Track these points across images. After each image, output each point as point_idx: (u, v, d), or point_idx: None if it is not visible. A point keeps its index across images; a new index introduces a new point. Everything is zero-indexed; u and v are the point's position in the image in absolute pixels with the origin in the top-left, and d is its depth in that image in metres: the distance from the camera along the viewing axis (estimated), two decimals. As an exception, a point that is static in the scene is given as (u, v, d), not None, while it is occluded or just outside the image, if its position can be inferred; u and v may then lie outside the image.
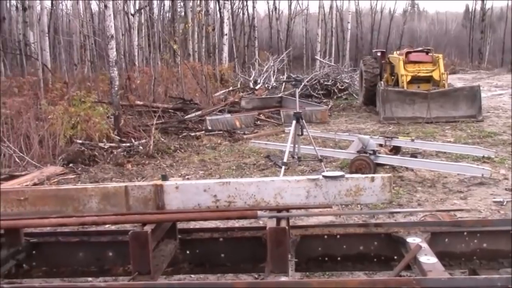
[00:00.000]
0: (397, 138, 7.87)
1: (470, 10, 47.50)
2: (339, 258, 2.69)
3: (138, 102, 12.01)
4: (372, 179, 2.52)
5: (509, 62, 34.68)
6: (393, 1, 72.70)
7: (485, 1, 39.07)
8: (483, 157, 7.21)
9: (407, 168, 6.80)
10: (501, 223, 2.78)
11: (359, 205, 4.44)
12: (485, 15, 39.35)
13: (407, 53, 12.87)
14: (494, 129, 9.92)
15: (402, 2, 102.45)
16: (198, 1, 23.05)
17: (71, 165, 7.68)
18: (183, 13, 23.98)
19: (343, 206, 4.25)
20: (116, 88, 9.72)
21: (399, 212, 4.75)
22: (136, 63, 17.20)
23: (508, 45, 38.10)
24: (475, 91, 11.51)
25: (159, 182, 2.60)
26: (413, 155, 7.45)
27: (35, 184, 6.29)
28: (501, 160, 7.25)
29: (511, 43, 36.51)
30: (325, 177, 2.52)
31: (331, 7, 33.91)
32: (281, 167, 6.57)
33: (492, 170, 6.26)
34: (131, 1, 20.19)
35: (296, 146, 6.71)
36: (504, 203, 5.33)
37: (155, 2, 22.85)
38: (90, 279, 2.87)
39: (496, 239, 2.62)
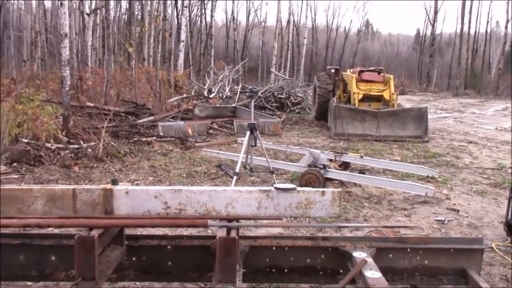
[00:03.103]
0: (347, 154, 8.03)
1: (421, 34, 49.34)
2: (286, 270, 2.72)
3: (89, 104, 11.74)
4: (323, 193, 2.56)
5: (455, 86, 36.19)
6: (349, 20, 74.28)
7: (435, 27, 40.60)
8: (427, 176, 7.47)
9: (355, 184, 6.94)
10: (442, 241, 2.89)
11: (307, 218, 4.51)
12: (435, 40, 40.93)
13: (360, 72, 13.19)
14: (439, 150, 10.30)
15: (356, 22, 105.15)
16: (156, 6, 22.87)
17: (15, 164, 7.40)
18: (140, 16, 23.70)
19: (292, 218, 4.31)
20: (67, 88, 9.48)
21: (346, 227, 4.85)
22: (89, 63, 16.83)
23: (454, 70, 39.72)
24: (422, 113, 11.92)
25: (109, 186, 2.55)
26: (362, 171, 7.63)
27: (-26, 183, 6.01)
28: (444, 180, 7.52)
29: (457, 69, 38.06)
30: (277, 189, 2.54)
31: (288, 22, 34.36)
32: (232, 177, 6.56)
33: (436, 190, 6.49)
34: (87, 0, 19.80)
35: (249, 156, 6.73)
36: (446, 222, 5.53)
37: (112, 3, 22.48)
38: (29, 283, 2.77)
39: (437, 256, 2.72)
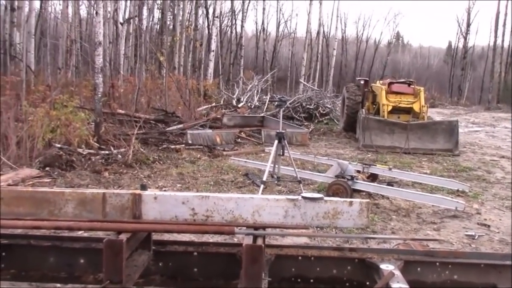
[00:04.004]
0: (375, 165, 7.96)
1: (453, 47, 48.73)
2: (311, 280, 2.69)
3: (120, 111, 11.94)
4: (351, 204, 2.54)
5: (487, 100, 35.51)
6: (379, 32, 73.89)
7: (467, 40, 40.01)
8: (458, 190, 7.33)
9: (383, 196, 6.86)
10: (472, 256, 2.82)
11: (334, 229, 4.47)
12: (467, 53, 40.37)
13: (390, 84, 13.09)
14: (469, 164, 10.10)
15: (387, 34, 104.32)
16: (188, 16, 23.18)
17: (47, 168, 7.57)
18: (171, 26, 24.04)
19: (318, 228, 4.29)
20: (100, 95, 9.67)
21: (374, 238, 4.79)
22: (121, 71, 17.16)
23: (486, 84, 39.03)
24: (453, 126, 11.73)
25: (138, 191, 2.58)
26: (390, 183, 7.54)
27: (9, 185, 6.17)
28: (474, 194, 7.37)
29: (489, 82, 37.38)
30: (304, 198, 2.54)
31: (318, 33, 34.37)
32: (259, 186, 6.57)
33: (466, 204, 6.36)
34: (121, 10, 20.20)
35: (276, 165, 6.73)
36: (476, 237, 5.41)
37: (144, 13, 22.91)
38: (58, 285, 2.82)
39: (467, 272, 2.66)
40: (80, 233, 3.29)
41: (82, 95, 12.46)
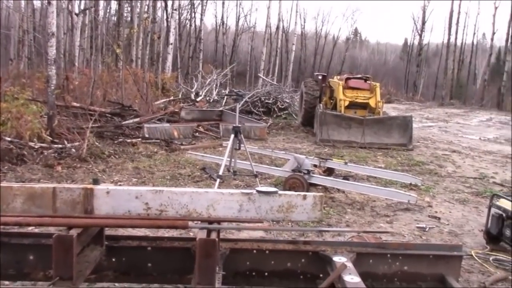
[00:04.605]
0: (332, 160, 8.07)
1: (409, 44, 49.89)
2: (266, 274, 2.72)
3: (75, 104, 11.65)
4: (304, 197, 2.58)
5: (441, 96, 36.59)
6: (337, 28, 74.84)
7: (422, 37, 41.04)
8: (410, 184, 7.53)
9: (338, 190, 6.97)
10: (422, 247, 2.91)
11: (289, 223, 4.51)
12: (422, 50, 41.37)
13: (347, 79, 13.26)
14: (423, 159, 10.38)
15: (345, 30, 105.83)
16: (146, 8, 22.82)
17: (-4, 163, 7.32)
18: (129, 18, 23.63)
19: (274, 222, 4.32)
20: (53, 87, 9.40)
21: (327, 231, 4.86)
22: (76, 63, 16.75)
23: (440, 80, 40.20)
24: (407, 121, 12.02)
25: (90, 185, 2.54)
26: (346, 177, 7.67)
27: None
28: (426, 188, 7.59)
29: (443, 79, 38.52)
30: (258, 192, 2.55)
31: (277, 28, 34.50)
32: (215, 180, 6.56)
33: (418, 197, 6.54)
34: (76, 0, 19.69)
35: (233, 160, 6.73)
36: (427, 229, 5.58)
37: (101, 4, 22.40)
38: (7, 282, 2.74)
39: (417, 263, 2.74)
40: (29, 229, 3.20)
41: (35, 87, 12.09)
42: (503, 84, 32.10)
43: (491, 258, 4.72)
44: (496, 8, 35.72)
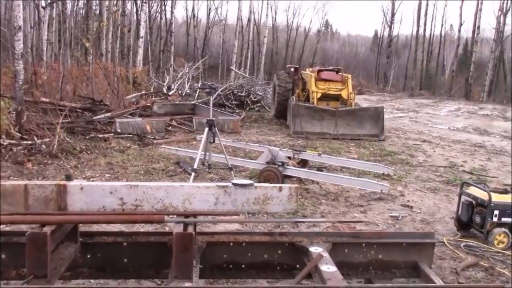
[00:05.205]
0: (305, 151, 8.12)
1: (379, 35, 50.40)
2: (243, 266, 2.72)
3: (44, 99, 11.41)
4: (280, 189, 2.58)
5: (410, 87, 37.16)
6: (308, 21, 75.06)
7: (392, 29, 41.51)
8: (383, 174, 7.64)
9: (313, 181, 7.03)
10: (395, 236, 2.96)
11: (265, 214, 4.53)
12: (392, 41, 41.84)
13: (319, 71, 13.35)
14: (394, 149, 10.54)
15: (316, 22, 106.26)
16: (115, 1, 22.47)
17: (-37, 161, 7.13)
18: (98, 11, 23.23)
19: (250, 214, 4.33)
20: (20, 83, 9.17)
21: (303, 222, 4.90)
22: (44, 58, 16.38)
23: (410, 71, 40.80)
24: (379, 112, 12.17)
25: (63, 182, 2.49)
26: (319, 169, 7.73)
27: None
28: (398, 177, 7.71)
29: (412, 70, 39.11)
30: (234, 184, 2.55)
31: (249, 20, 34.42)
32: (190, 174, 6.53)
33: (390, 187, 6.65)
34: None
35: (207, 153, 6.71)
36: (400, 218, 5.68)
37: (68, -3, 21.95)
38: (-22, 282, 2.67)
39: (391, 251, 2.79)
40: (1, 227, 3.14)
41: (2, 83, 11.79)
42: (470, 75, 32.77)
43: (462, 245, 4.84)
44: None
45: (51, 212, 2.40)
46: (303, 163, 7.79)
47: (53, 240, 2.28)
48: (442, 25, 44.98)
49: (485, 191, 4.99)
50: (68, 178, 2.68)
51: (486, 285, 3.89)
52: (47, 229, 2.25)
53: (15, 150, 7.79)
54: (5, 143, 7.93)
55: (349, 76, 13.36)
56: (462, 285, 3.92)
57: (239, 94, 17.35)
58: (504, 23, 33.74)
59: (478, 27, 33.05)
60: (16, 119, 8.91)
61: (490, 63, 32.87)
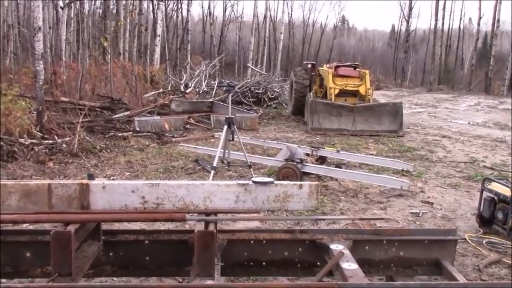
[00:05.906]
0: (324, 148, 8.10)
1: (396, 30, 49.94)
2: (264, 263, 2.72)
3: (64, 99, 11.56)
4: (300, 186, 2.58)
5: (429, 82, 36.76)
6: (325, 16, 74.73)
7: (409, 23, 41.09)
8: (402, 170, 7.58)
9: (331, 178, 7.00)
10: (417, 232, 2.93)
11: (285, 212, 4.53)
12: (409, 36, 41.42)
13: (336, 67, 13.28)
14: (413, 145, 10.45)
15: (333, 18, 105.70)
16: (132, 0, 22.62)
17: (-13, 160, 7.26)
18: (115, 10, 23.41)
19: (270, 212, 4.33)
20: (41, 83, 9.30)
21: (323, 219, 4.89)
22: (63, 58, 16.56)
23: (428, 66, 40.35)
24: (397, 108, 12.07)
25: (85, 181, 2.52)
26: (338, 165, 7.70)
27: None
28: (418, 174, 7.64)
29: (431, 65, 38.67)
30: (254, 182, 2.55)
31: (265, 17, 34.38)
32: (209, 172, 6.56)
33: (410, 183, 6.59)
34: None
35: (226, 151, 6.72)
36: (420, 214, 5.63)
37: (86, -3, 22.16)
38: (4, 280, 2.72)
39: (412, 248, 2.76)
40: (25, 226, 3.19)
41: (22, 83, 11.98)
42: (490, 68, 32.29)
43: (484, 241, 4.78)
44: (482, -8, 35.80)
45: (75, 211, 2.43)
46: (322, 160, 7.77)
47: (77, 238, 2.31)
48: (460, 19, 44.63)
49: (507, 187, 4.92)
50: (91, 177, 2.71)
51: (511, 282, 3.84)
52: (71, 228, 2.27)
53: (36, 150, 7.90)
54: (27, 143, 8.05)
55: (367, 71, 13.27)
56: (485, 282, 3.87)
57: (256, 91, 17.35)
58: (525, 16, 33.13)
59: (498, 20, 32.55)
60: (37, 119, 9.04)
61: (510, 57, 32.33)
